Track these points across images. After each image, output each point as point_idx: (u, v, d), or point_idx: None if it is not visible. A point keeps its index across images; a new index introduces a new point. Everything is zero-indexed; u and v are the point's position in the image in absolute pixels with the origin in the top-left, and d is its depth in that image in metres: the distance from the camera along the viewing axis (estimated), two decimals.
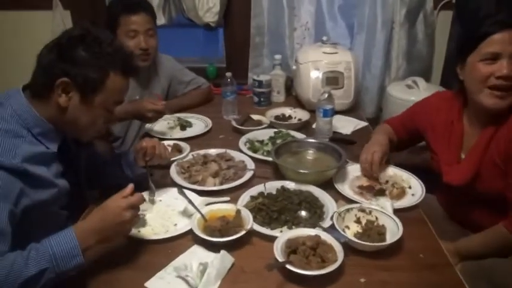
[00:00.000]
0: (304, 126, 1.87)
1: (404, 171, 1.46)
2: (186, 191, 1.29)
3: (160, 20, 2.30)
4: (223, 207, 1.21)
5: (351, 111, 2.05)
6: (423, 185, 1.37)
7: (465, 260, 1.23)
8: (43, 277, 0.88)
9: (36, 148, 1.06)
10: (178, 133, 1.84)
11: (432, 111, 1.49)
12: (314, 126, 1.79)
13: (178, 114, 1.96)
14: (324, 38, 2.11)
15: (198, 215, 1.17)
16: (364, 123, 1.94)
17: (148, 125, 1.88)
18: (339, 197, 1.31)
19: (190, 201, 1.21)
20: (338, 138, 1.73)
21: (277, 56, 2.18)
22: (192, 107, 2.10)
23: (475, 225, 1.36)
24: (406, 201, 1.31)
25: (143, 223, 1.20)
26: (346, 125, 1.89)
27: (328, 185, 1.36)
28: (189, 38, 2.52)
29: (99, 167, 1.39)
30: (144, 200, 1.05)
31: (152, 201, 1.29)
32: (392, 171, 1.47)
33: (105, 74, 1.08)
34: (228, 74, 1.95)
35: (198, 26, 2.37)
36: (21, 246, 0.96)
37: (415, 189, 1.37)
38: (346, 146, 1.66)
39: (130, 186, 1.02)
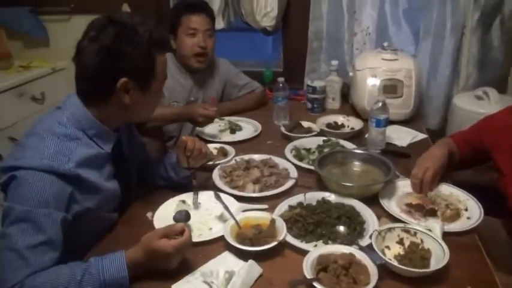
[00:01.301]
0: (356, 136, 1.78)
1: (462, 191, 1.33)
2: (223, 195, 1.29)
3: (220, 24, 2.33)
4: (259, 215, 1.19)
5: (409, 121, 1.93)
6: (482, 209, 1.23)
7: None
8: None
9: (92, 150, 1.11)
10: (228, 136, 1.85)
11: (501, 127, 1.35)
12: (366, 136, 1.70)
13: (229, 118, 1.98)
14: (385, 44, 2.01)
15: (232, 221, 1.16)
16: (422, 136, 1.80)
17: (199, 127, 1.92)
18: (383, 214, 1.23)
19: (225, 207, 1.21)
20: (391, 151, 1.63)
21: (334, 62, 2.11)
22: (245, 110, 2.11)
23: None
24: (459, 225, 1.19)
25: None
26: (403, 137, 1.77)
27: (373, 200, 1.28)
28: (247, 42, 2.52)
29: (148, 167, 1.44)
30: (190, 244, 1.04)
31: (196, 206, 1.31)
32: (449, 190, 1.34)
33: (153, 60, 1.10)
34: (280, 79, 1.92)
35: (255, 31, 2.37)
36: (69, 249, 1.02)
37: (471, 212, 1.24)
38: (399, 159, 1.55)
39: (180, 226, 1.02)
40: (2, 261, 0.94)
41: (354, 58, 2.26)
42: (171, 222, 1.18)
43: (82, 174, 1.06)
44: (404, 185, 1.37)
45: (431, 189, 1.31)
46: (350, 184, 1.28)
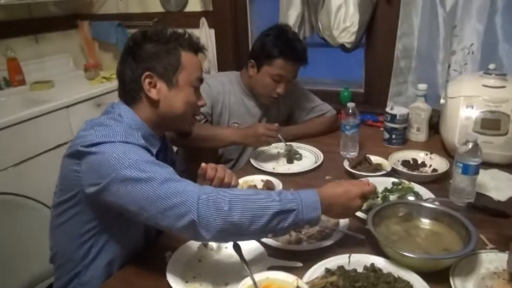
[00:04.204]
0: (437, 180, 1.44)
1: None
2: (250, 244, 1.10)
3: None
4: (282, 278, 0.95)
5: None
6: None
7: None
8: (289, 217, 0.94)
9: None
10: (283, 166, 1.65)
11: None
12: (451, 181, 1.35)
13: (290, 143, 1.77)
14: (491, 66, 1.61)
15: (249, 282, 0.95)
16: None
17: (255, 151, 1.75)
18: None
19: (245, 262, 1.01)
20: (482, 206, 1.26)
21: (422, 86, 1.77)
22: (311, 136, 1.89)
23: None
24: None
25: (196, 273, 1.06)
26: (502, 187, 1.38)
27: (441, 278, 0.96)
28: (325, 58, 2.29)
29: None
30: (376, 192, 1.10)
31: (216, 250, 1.14)
32: None
33: (177, 54, 1.13)
34: (351, 105, 1.66)
35: (333, 46, 2.13)
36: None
37: None
38: (492, 218, 1.19)
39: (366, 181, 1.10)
40: (165, 194, 0.91)
41: (450, 81, 1.88)
42: (186, 267, 1.07)
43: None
44: (491, 260, 1.02)
45: None
46: (411, 255, 0.98)
